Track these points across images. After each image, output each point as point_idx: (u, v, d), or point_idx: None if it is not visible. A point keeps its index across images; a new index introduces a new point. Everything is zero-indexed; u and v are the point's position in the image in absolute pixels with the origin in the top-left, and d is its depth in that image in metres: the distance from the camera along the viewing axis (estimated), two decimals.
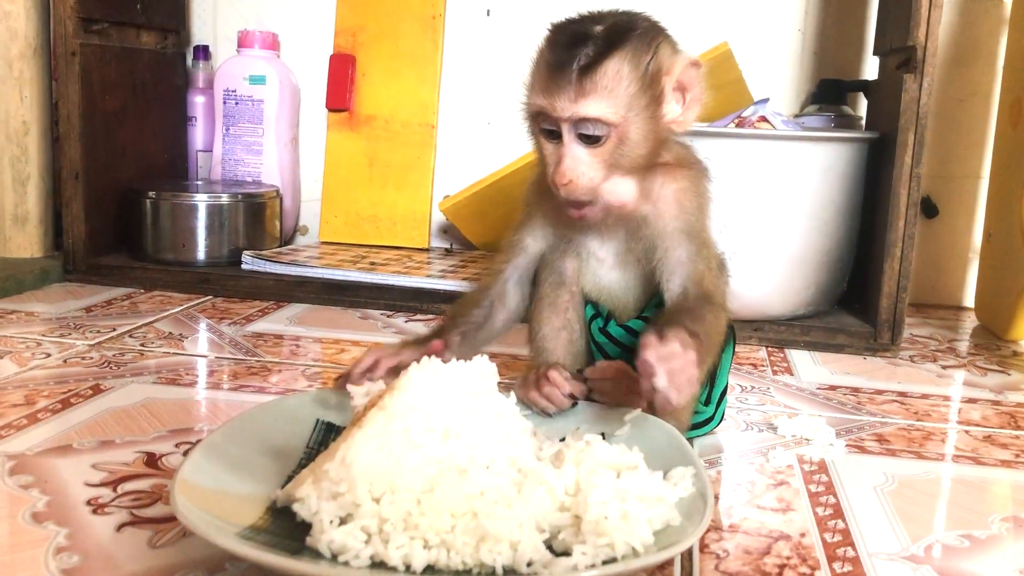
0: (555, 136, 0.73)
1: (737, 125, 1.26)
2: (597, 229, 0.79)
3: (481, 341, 0.82)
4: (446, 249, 1.62)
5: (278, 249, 1.50)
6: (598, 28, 0.71)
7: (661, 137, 0.75)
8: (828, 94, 1.47)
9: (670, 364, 0.63)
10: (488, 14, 1.60)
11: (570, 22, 0.74)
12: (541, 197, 0.81)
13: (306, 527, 0.57)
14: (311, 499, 0.57)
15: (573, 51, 0.70)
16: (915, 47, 1.15)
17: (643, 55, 0.72)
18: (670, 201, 0.78)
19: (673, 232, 0.77)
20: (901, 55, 1.20)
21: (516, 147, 1.44)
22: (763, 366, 1.13)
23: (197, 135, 1.65)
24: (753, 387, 1.04)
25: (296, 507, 0.58)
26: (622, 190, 0.75)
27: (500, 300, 0.83)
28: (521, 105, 0.75)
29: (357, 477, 0.57)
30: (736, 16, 1.54)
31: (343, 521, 0.57)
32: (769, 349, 1.21)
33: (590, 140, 0.72)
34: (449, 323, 0.82)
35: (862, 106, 1.50)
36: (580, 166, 0.72)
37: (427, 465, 0.59)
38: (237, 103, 1.59)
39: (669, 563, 0.62)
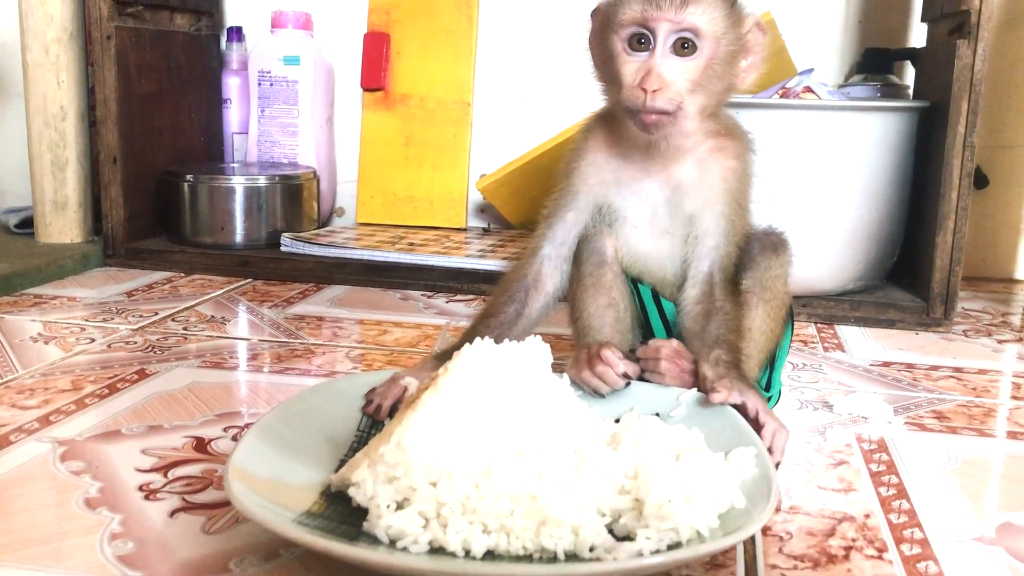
0: (642, 49, 0.72)
1: (781, 96, 1.23)
2: (642, 192, 0.78)
3: (517, 337, 0.77)
4: (484, 229, 1.60)
5: (316, 231, 1.49)
6: None
7: (732, 84, 0.76)
8: (874, 63, 1.44)
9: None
10: None
11: None
12: (585, 157, 0.80)
13: (362, 512, 0.56)
14: (367, 483, 0.56)
15: None
16: (969, 11, 1.11)
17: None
18: (716, 178, 0.77)
19: (714, 213, 0.77)
20: (953, 20, 1.16)
21: (553, 124, 1.43)
22: (813, 343, 1.11)
23: (232, 117, 1.64)
24: (805, 364, 1.02)
25: (352, 492, 0.57)
26: (693, 119, 0.74)
27: (536, 285, 0.80)
28: (609, 30, 0.74)
29: (413, 460, 0.56)
30: None
31: (400, 506, 0.56)
32: (818, 325, 1.18)
33: (684, 51, 0.72)
34: (481, 324, 0.79)
35: (909, 75, 1.46)
36: (671, 73, 0.72)
37: (484, 448, 0.58)
38: (272, 84, 1.58)
39: (731, 547, 0.61)
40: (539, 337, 0.66)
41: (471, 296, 1.29)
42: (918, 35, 1.46)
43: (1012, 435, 0.83)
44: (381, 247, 1.38)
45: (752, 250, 0.79)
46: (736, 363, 0.73)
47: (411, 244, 1.41)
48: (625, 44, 0.73)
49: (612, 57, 0.74)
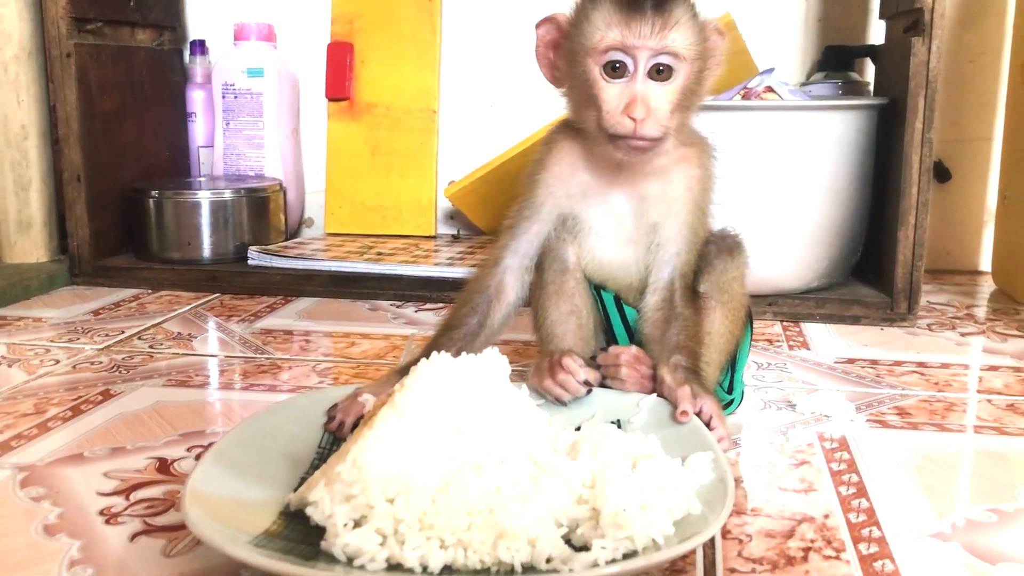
0: (620, 75, 0.72)
1: (743, 97, 1.24)
2: (607, 203, 0.78)
3: (479, 348, 0.77)
4: (453, 236, 1.61)
5: (284, 243, 1.49)
6: None
7: (702, 95, 0.77)
8: (834, 61, 1.45)
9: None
10: None
11: None
12: (549, 169, 0.80)
13: (321, 531, 0.56)
14: (324, 502, 0.56)
15: None
16: (922, 9, 1.12)
17: (694, 8, 0.74)
18: (681, 187, 0.79)
19: (677, 221, 0.78)
20: (908, 18, 1.18)
21: (520, 129, 1.43)
22: (779, 341, 1.11)
23: (198, 131, 1.64)
24: (770, 364, 1.03)
25: (309, 511, 0.57)
26: (667, 146, 0.76)
27: (498, 296, 0.81)
28: (580, 54, 0.73)
29: (370, 478, 0.56)
30: None
31: (357, 523, 0.56)
32: (784, 324, 1.19)
33: (661, 75, 0.72)
34: (443, 336, 0.79)
35: (870, 72, 1.48)
36: (654, 99, 0.72)
37: (441, 462, 0.58)
38: (236, 97, 1.58)
39: (691, 551, 0.61)
40: (497, 349, 0.67)
41: (440, 304, 1.29)
42: (878, 32, 1.47)
43: (972, 429, 0.84)
44: (349, 257, 1.38)
45: (709, 254, 0.80)
46: (695, 369, 0.74)
47: (379, 254, 1.41)
48: (602, 69, 0.72)
49: (587, 81, 0.73)
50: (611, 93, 0.72)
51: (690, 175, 0.79)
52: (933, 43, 1.12)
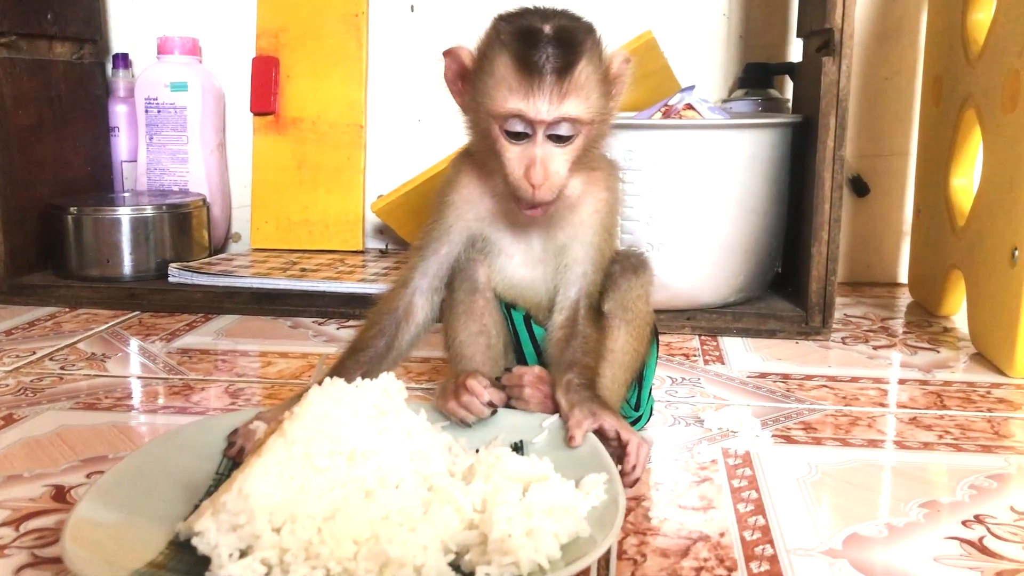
0: (520, 137, 0.72)
1: (663, 114, 1.25)
2: (516, 226, 0.79)
3: (387, 368, 0.77)
4: (381, 250, 1.60)
5: (208, 259, 1.47)
6: (549, 26, 0.71)
7: (607, 130, 0.77)
8: (755, 78, 1.48)
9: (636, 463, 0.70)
10: (412, 10, 1.58)
11: (519, 19, 0.72)
12: (459, 192, 0.80)
13: (208, 561, 0.56)
14: (210, 532, 0.56)
15: (541, 51, 0.69)
16: (832, 30, 1.15)
17: (596, 55, 0.73)
18: (589, 210, 0.79)
19: (584, 243, 0.79)
20: (820, 37, 1.20)
21: (448, 143, 1.43)
22: (695, 356, 1.13)
23: (121, 145, 1.61)
24: (684, 379, 1.04)
25: (195, 541, 0.56)
26: (572, 189, 0.77)
27: (406, 318, 0.81)
28: (483, 108, 0.73)
29: (256, 507, 0.55)
30: (660, 3, 1.53)
31: (244, 553, 0.55)
32: (702, 338, 1.21)
33: (560, 139, 0.72)
34: (350, 359, 0.79)
35: (789, 89, 1.50)
36: (554, 165, 0.72)
37: (332, 490, 0.58)
38: (159, 111, 1.56)
39: (585, 572, 0.62)
40: (392, 374, 0.66)
41: (363, 321, 1.28)
42: (798, 50, 1.50)
43: (871, 443, 0.86)
44: (272, 274, 1.36)
45: (614, 273, 0.80)
46: (590, 384, 0.74)
47: (303, 270, 1.40)
48: (503, 132, 0.73)
49: (490, 136, 0.74)
50: (513, 153, 0.73)
51: (597, 198, 0.79)
52: (843, 63, 1.15)
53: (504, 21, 0.73)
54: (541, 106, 0.70)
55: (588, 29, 0.73)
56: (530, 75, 0.70)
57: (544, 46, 0.70)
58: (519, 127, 0.72)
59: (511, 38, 0.71)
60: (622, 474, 0.69)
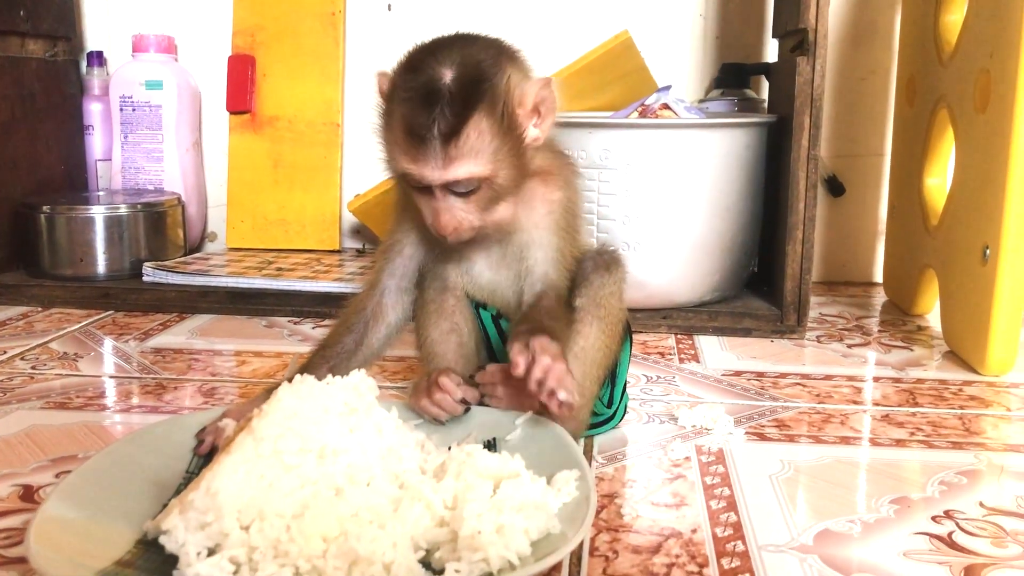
0: (425, 192, 0.72)
1: (640, 113, 1.25)
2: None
3: (356, 367, 0.75)
4: (357, 250, 1.60)
5: (183, 258, 1.46)
6: (448, 76, 0.68)
7: (527, 160, 0.75)
8: (731, 78, 1.48)
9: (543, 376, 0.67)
10: (389, 9, 1.57)
11: (417, 68, 0.70)
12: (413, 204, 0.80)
13: (176, 559, 0.55)
14: (177, 530, 0.55)
15: (430, 112, 0.68)
16: (806, 30, 1.15)
17: (498, 103, 0.70)
18: (542, 212, 0.79)
19: (542, 245, 0.78)
20: (794, 38, 1.21)
21: None
22: (671, 354, 1.13)
23: (95, 144, 1.60)
24: (659, 377, 1.04)
25: (163, 539, 0.56)
26: (501, 213, 0.75)
27: (376, 317, 0.80)
28: (383, 161, 0.73)
29: (224, 505, 0.55)
30: (637, 3, 1.53)
31: (212, 552, 0.55)
32: (678, 336, 1.21)
33: (463, 194, 0.71)
34: (318, 356, 0.78)
35: (765, 89, 1.51)
36: (458, 215, 0.72)
37: (301, 487, 0.58)
38: (134, 109, 1.54)
39: (557, 569, 0.62)
40: (363, 371, 0.66)
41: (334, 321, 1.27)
42: (773, 50, 1.50)
43: (844, 440, 0.86)
44: (247, 273, 1.36)
45: (585, 269, 0.80)
46: (539, 327, 0.72)
47: (279, 269, 1.40)
48: (407, 185, 0.73)
49: (403, 187, 0.75)
50: (421, 200, 0.73)
51: (551, 199, 0.78)
52: (817, 62, 1.15)
53: (404, 73, 0.71)
54: (428, 172, 0.70)
55: (491, 72, 0.70)
56: (413, 139, 0.69)
57: (433, 108, 0.68)
58: (416, 183, 0.71)
59: (403, 97, 0.70)
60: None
